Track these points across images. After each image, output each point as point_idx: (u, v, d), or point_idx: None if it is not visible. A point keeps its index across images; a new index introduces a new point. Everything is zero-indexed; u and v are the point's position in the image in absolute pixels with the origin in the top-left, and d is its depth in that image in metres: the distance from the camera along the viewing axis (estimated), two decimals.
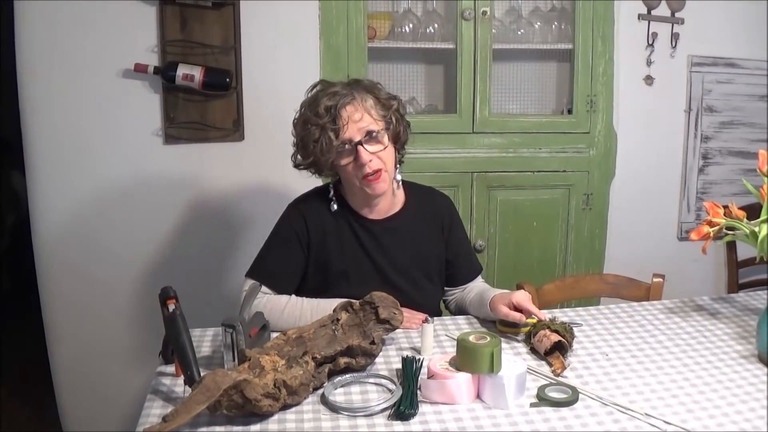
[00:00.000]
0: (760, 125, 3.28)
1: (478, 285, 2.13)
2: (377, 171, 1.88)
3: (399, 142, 1.99)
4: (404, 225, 2.04)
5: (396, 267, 2.02)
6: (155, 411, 1.49)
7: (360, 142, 1.86)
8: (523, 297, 1.83)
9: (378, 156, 1.88)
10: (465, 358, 1.54)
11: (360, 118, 1.87)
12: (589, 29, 2.97)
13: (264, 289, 1.91)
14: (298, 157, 1.98)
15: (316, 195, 2.07)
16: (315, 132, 1.87)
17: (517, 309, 1.82)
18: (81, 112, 2.71)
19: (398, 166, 2.02)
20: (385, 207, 2.02)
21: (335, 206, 2.00)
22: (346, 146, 1.87)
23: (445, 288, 2.14)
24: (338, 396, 1.55)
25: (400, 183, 2.03)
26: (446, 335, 1.88)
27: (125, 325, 2.85)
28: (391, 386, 1.58)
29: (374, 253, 2.01)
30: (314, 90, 1.95)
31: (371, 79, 2.01)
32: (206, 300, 2.57)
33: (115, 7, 2.65)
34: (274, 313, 1.88)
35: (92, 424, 2.88)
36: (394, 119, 1.94)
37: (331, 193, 2.01)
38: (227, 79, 2.71)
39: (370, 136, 1.88)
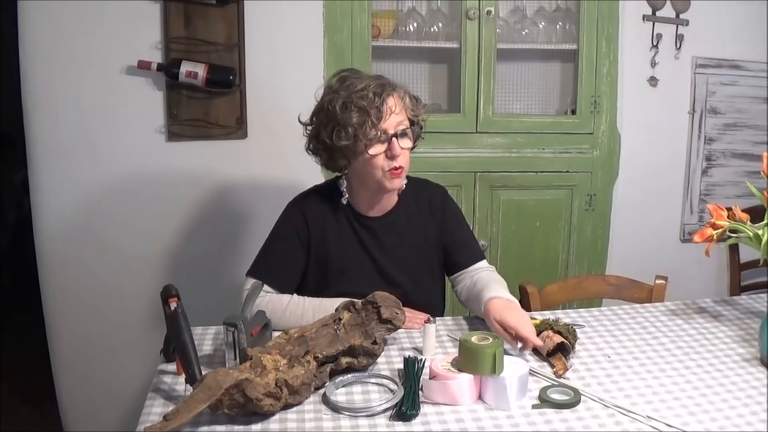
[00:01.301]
0: (764, 127, 3.27)
1: (483, 275, 2.03)
2: (400, 167, 1.90)
3: (414, 145, 2.00)
4: (401, 220, 2.05)
5: (396, 263, 2.03)
6: (156, 409, 1.49)
7: (395, 135, 1.88)
8: (519, 325, 1.69)
9: (403, 153, 1.90)
10: (467, 359, 1.53)
11: (399, 112, 1.89)
12: (593, 30, 2.97)
13: (265, 287, 1.91)
14: (328, 141, 1.90)
15: (317, 192, 2.07)
16: (354, 115, 1.85)
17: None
18: (84, 108, 2.70)
19: None
20: (385, 205, 2.03)
21: (345, 200, 2.00)
22: (382, 136, 1.87)
23: (451, 277, 2.12)
24: (340, 396, 1.55)
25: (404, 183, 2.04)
26: (448, 336, 1.88)
27: (126, 322, 2.85)
28: (393, 386, 1.57)
29: (373, 251, 2.02)
30: (343, 76, 1.93)
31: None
32: (208, 298, 2.57)
33: (119, 4, 2.65)
34: (275, 312, 1.88)
35: (93, 422, 2.88)
36: (419, 122, 1.98)
37: (344, 185, 2.01)
38: (231, 77, 2.71)
39: (403, 132, 1.90)
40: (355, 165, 1.94)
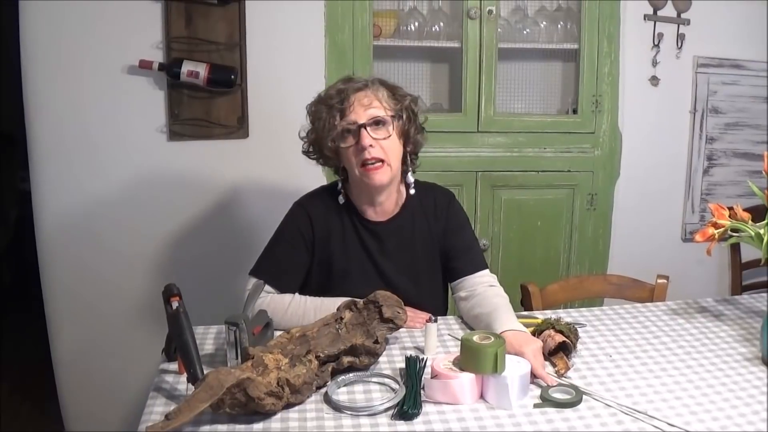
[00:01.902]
0: (765, 127, 3.27)
1: (488, 296, 1.94)
2: (378, 160, 1.88)
3: (409, 142, 1.98)
4: (407, 224, 2.04)
5: (399, 268, 2.02)
6: (158, 409, 1.49)
7: (364, 125, 1.87)
8: (534, 362, 1.62)
9: (380, 145, 1.88)
10: (469, 358, 1.53)
11: (369, 104, 1.88)
12: (594, 29, 2.97)
13: (267, 287, 1.91)
14: (312, 141, 1.99)
15: (322, 194, 2.07)
16: (322, 111, 1.90)
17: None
18: (85, 108, 2.70)
19: (410, 170, 2.03)
20: (389, 208, 2.02)
21: (342, 199, 2.00)
22: (350, 128, 1.88)
23: (451, 284, 2.09)
24: (341, 395, 1.55)
25: (412, 185, 2.04)
26: (450, 335, 1.88)
27: (128, 321, 2.85)
28: (395, 386, 1.57)
29: (376, 255, 2.01)
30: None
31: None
32: (210, 297, 2.57)
33: (120, 4, 2.65)
34: (277, 311, 1.88)
35: (94, 422, 2.88)
36: (404, 115, 1.94)
37: (339, 185, 2.02)
38: (232, 76, 2.71)
39: (376, 123, 1.89)
40: (345, 165, 1.96)
